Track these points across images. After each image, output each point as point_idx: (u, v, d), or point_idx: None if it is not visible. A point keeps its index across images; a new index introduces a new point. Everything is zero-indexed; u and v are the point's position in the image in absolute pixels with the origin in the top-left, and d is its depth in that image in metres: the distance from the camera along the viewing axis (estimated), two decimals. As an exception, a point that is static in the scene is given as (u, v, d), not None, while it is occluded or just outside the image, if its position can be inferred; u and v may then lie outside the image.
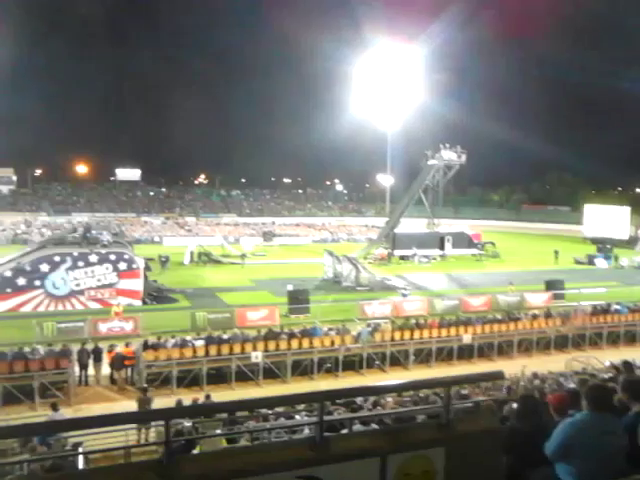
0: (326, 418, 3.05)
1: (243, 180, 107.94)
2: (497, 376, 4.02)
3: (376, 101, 58.80)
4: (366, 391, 6.75)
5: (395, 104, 58.34)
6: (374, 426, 6.96)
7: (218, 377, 18.20)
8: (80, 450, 8.33)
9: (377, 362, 20.03)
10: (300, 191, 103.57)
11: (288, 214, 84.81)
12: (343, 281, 35.30)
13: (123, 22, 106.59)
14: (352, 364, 19.82)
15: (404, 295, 29.74)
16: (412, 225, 54.83)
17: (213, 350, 17.99)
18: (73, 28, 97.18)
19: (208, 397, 13.61)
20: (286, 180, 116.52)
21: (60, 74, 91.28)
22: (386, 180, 76.97)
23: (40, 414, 14.40)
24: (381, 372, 19.78)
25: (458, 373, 17.21)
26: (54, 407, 13.09)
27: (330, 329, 20.54)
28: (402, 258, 46.41)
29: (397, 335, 20.43)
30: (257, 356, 18.09)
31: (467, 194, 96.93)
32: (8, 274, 26.19)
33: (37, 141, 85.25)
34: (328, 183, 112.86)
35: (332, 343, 19.48)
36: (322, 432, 2.90)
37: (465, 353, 21.39)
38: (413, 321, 22.42)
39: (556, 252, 47.03)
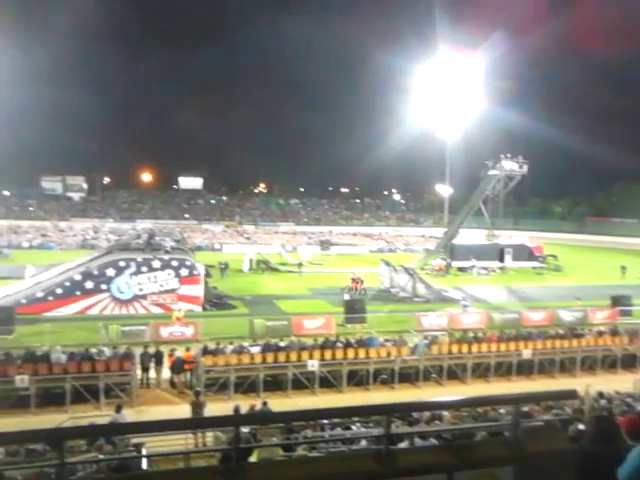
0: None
1: (301, 189, 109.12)
2: (569, 395, 3.87)
3: (435, 110, 58.19)
4: (434, 405, 6.59)
5: (455, 113, 57.57)
6: (433, 440, 6.85)
7: (274, 384, 18.32)
8: (144, 451, 8.52)
9: (434, 375, 19.71)
10: (357, 201, 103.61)
11: (345, 223, 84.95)
12: (400, 292, 35.00)
13: (183, 35, 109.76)
14: (408, 376, 19.56)
15: (465, 307, 29.16)
16: (471, 236, 53.86)
17: (270, 357, 18.15)
18: (134, 40, 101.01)
19: (265, 404, 13.71)
20: (344, 190, 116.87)
21: (125, 87, 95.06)
22: (444, 190, 75.78)
23: (105, 414, 14.84)
24: (438, 385, 19.44)
25: (518, 389, 16.73)
26: (118, 409, 13.49)
27: (386, 340, 20.36)
28: (460, 270, 45.65)
29: (455, 348, 20.04)
30: (313, 364, 18.13)
31: (528, 205, 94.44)
32: (78, 278, 27.37)
33: (106, 151, 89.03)
34: (386, 193, 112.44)
35: (388, 354, 19.31)
36: (388, 445, 2.88)
37: (525, 369, 20.75)
38: (471, 334, 21.94)
39: (623, 267, 45.05)
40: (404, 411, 6.71)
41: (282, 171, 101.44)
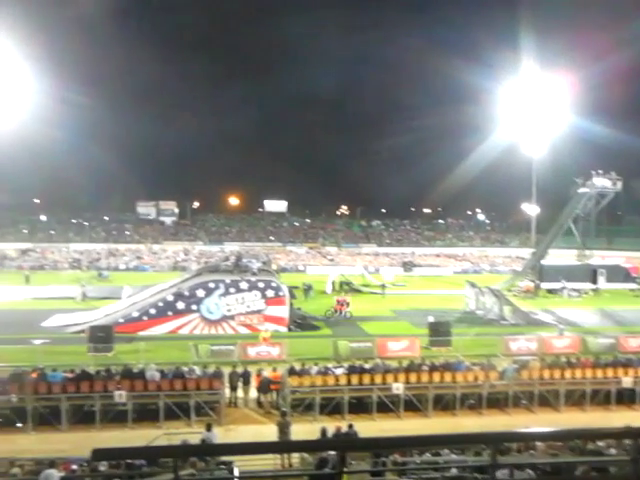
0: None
1: (383, 210, 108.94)
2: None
3: (521, 125, 56.58)
4: (543, 436, 6.19)
5: (541, 128, 55.71)
6: (529, 472, 6.63)
7: (359, 406, 18.29)
8: (235, 470, 8.72)
9: (524, 401, 19.00)
10: (440, 221, 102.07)
11: (428, 244, 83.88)
12: (486, 314, 34.06)
13: (257, 66, 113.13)
14: (497, 402, 18.97)
15: (561, 331, 27.85)
16: (560, 257, 51.64)
17: (355, 379, 18.18)
18: (219, 69, 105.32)
19: (351, 427, 13.73)
20: (426, 210, 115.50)
21: (212, 116, 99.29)
22: (531, 209, 73.20)
23: (196, 431, 15.38)
24: (529, 412, 18.72)
25: (619, 420, 15.81)
26: (208, 427, 13.93)
27: (473, 364, 19.87)
28: (549, 291, 43.84)
29: (546, 373, 19.26)
30: (398, 387, 18.00)
31: (623, 224, 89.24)
32: (170, 298, 28.67)
33: (196, 177, 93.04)
34: (469, 212, 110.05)
35: (475, 378, 18.84)
36: (494, 474, 2.76)
37: (625, 398, 19.57)
38: (564, 359, 21.01)
39: None
40: (514, 440, 6.43)
41: (364, 193, 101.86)
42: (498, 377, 19.04)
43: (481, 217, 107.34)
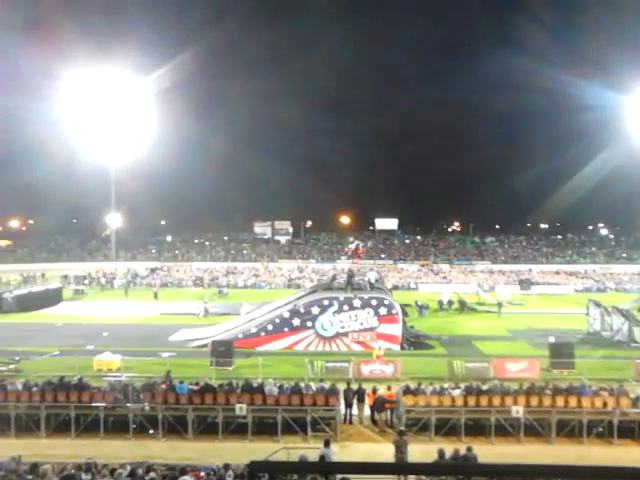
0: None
1: (497, 226, 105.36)
2: None
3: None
4: None
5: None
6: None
7: (476, 428, 17.78)
8: None
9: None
10: (559, 236, 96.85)
11: (546, 261, 79.86)
12: (613, 336, 31.83)
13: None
14: (630, 431, 17.61)
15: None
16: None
17: (472, 400, 17.73)
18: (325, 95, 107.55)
19: (470, 449, 13.38)
20: (543, 225, 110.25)
21: (321, 138, 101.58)
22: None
23: (313, 446, 15.70)
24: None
25: None
26: (326, 443, 14.17)
27: (601, 388, 18.66)
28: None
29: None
30: (518, 411, 17.30)
31: None
32: (286, 315, 29.57)
33: (309, 197, 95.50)
34: (591, 227, 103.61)
35: (604, 404, 17.66)
36: None
37: None
38: None
39: None
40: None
41: (477, 209, 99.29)
42: (631, 404, 17.73)
43: (604, 232, 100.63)
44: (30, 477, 9.70)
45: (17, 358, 25.02)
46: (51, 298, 45.18)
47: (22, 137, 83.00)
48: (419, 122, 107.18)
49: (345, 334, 29.08)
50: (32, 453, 14.28)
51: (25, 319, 38.26)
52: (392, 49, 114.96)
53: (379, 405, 18.67)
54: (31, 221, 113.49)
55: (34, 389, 18.62)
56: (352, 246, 38.72)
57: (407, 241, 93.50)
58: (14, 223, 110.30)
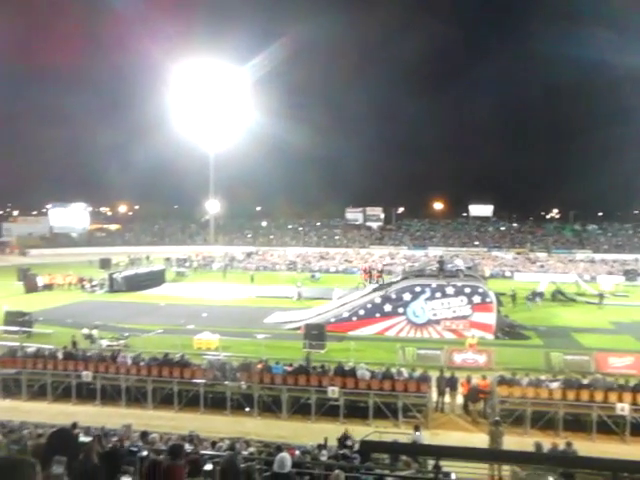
0: None
1: (600, 214, 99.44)
2: None
3: None
4: None
5: None
6: None
7: (575, 424, 17.10)
8: (453, 476, 8.77)
9: None
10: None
11: (655, 251, 74.49)
12: None
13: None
14: None
15: None
16: None
17: (571, 394, 17.05)
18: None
19: (570, 445, 12.85)
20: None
21: (415, 123, 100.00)
22: None
23: (404, 432, 15.80)
24: None
25: None
26: (417, 429, 14.21)
27: None
28: None
29: None
30: (623, 408, 16.44)
31: None
32: (378, 301, 29.67)
33: (401, 183, 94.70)
34: None
35: None
36: None
37: None
38: None
39: None
40: None
41: (578, 195, 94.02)
42: None
43: None
44: (140, 443, 10.47)
45: (126, 334, 26.83)
46: (155, 279, 47.95)
47: (130, 127, 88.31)
48: (515, 104, 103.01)
49: (437, 321, 28.79)
50: (140, 422, 15.36)
51: (132, 298, 40.84)
52: (488, 30, 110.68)
53: (473, 395, 18.40)
54: (137, 206, 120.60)
55: (142, 364, 19.95)
56: (365, 265, 38.24)
57: (502, 228, 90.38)
58: (122, 208, 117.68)
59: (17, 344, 23.05)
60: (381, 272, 35.53)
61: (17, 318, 28.46)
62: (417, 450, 3.97)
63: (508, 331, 29.94)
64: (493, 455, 3.23)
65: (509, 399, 17.45)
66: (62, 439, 4.17)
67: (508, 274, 57.64)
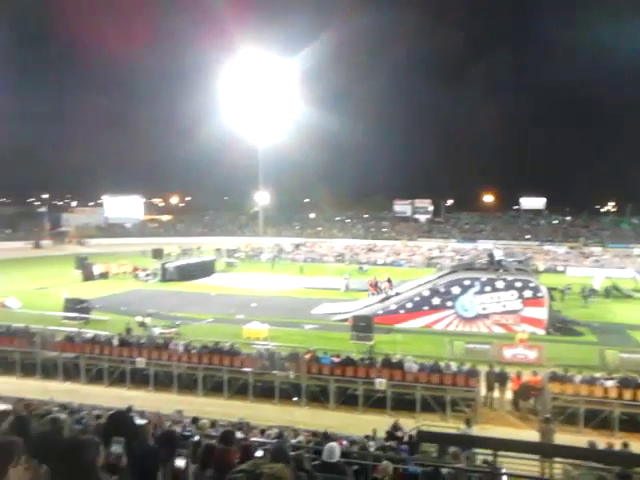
0: None
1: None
2: None
3: None
4: None
5: None
6: None
7: (632, 424, 16.54)
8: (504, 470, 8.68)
9: None
10: None
11: None
12: None
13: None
14: None
15: None
16: None
17: (628, 394, 16.54)
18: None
19: (626, 445, 12.44)
20: None
21: (458, 114, 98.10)
22: None
23: (451, 425, 15.67)
24: None
25: None
26: (468, 422, 14.11)
27: None
28: None
29: None
30: (682, 409, 15.87)
31: None
32: (426, 294, 29.46)
33: (451, 175, 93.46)
34: None
35: None
36: None
37: None
38: None
39: None
40: None
41: (635, 188, 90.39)
42: None
43: None
44: (191, 428, 10.77)
45: (178, 323, 27.54)
46: (206, 269, 48.94)
47: (181, 120, 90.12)
48: (572, 92, 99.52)
49: (486, 316, 28.38)
50: (191, 409, 15.78)
51: (183, 288, 41.83)
52: (537, 13, 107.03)
53: (524, 392, 18.06)
54: (189, 198, 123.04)
55: (193, 352, 20.47)
56: (371, 279, 37.51)
57: (555, 222, 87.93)
58: (174, 200, 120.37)
59: (75, 330, 23.96)
60: (389, 281, 35.45)
61: (75, 305, 29.58)
62: (476, 442, 3.98)
63: (560, 327, 29.24)
64: (555, 450, 3.23)
65: (561, 396, 17.09)
66: (120, 421, 4.36)
67: (560, 269, 56.19)
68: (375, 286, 36.41)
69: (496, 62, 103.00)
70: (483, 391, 18.68)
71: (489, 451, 7.71)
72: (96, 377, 21.02)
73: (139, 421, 6.48)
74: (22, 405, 10.03)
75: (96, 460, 2.85)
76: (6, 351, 22.10)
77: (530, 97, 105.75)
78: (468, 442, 4.96)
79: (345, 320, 29.11)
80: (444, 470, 8.05)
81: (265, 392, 19.30)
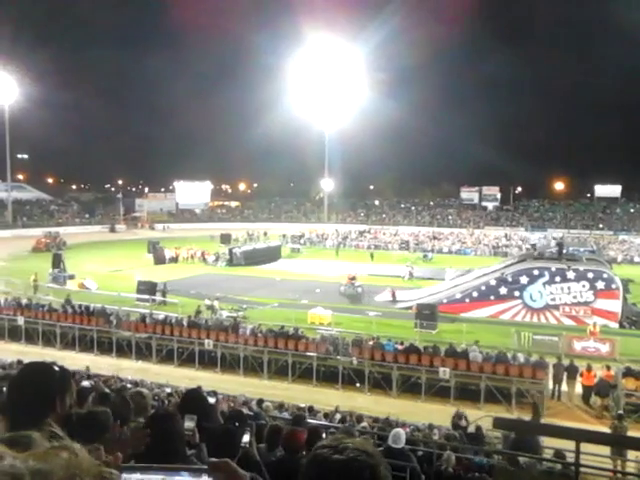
0: None
1: None
2: None
3: None
4: None
5: None
6: None
7: None
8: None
9: None
10: None
11: None
12: None
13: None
14: None
15: None
16: None
17: None
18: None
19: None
20: None
21: (529, 97, 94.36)
22: None
23: (516, 417, 15.44)
24: None
25: None
26: (536, 410, 13.89)
27: None
28: None
29: None
30: None
31: None
32: (493, 283, 28.90)
33: (520, 162, 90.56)
34: None
35: None
36: None
37: None
38: None
39: None
40: None
41: None
42: None
43: None
44: (256, 409, 11.12)
45: (244, 306, 28.26)
46: (271, 255, 49.79)
47: (249, 107, 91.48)
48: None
49: (555, 307, 27.58)
50: (256, 391, 16.26)
51: (250, 272, 42.72)
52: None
53: (604, 388, 17.29)
54: (255, 184, 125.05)
55: (259, 335, 20.99)
56: (351, 274, 35.75)
57: (632, 210, 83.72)
58: (242, 186, 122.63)
59: (147, 311, 25.03)
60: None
61: (147, 287, 30.78)
62: (557, 431, 3.96)
63: (635, 320, 28.03)
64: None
65: (635, 393, 16.48)
66: (194, 399, 4.62)
67: (637, 259, 53.68)
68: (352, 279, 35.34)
69: (572, 45, 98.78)
70: (550, 384, 18.26)
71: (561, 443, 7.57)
72: (166, 357, 21.94)
73: (211, 400, 6.79)
74: (101, 382, 10.68)
75: (183, 431, 3.09)
76: (85, 329, 23.38)
77: (606, 79, 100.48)
78: (548, 431, 4.90)
79: (409, 308, 28.98)
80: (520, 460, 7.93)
81: (328, 377, 19.59)
